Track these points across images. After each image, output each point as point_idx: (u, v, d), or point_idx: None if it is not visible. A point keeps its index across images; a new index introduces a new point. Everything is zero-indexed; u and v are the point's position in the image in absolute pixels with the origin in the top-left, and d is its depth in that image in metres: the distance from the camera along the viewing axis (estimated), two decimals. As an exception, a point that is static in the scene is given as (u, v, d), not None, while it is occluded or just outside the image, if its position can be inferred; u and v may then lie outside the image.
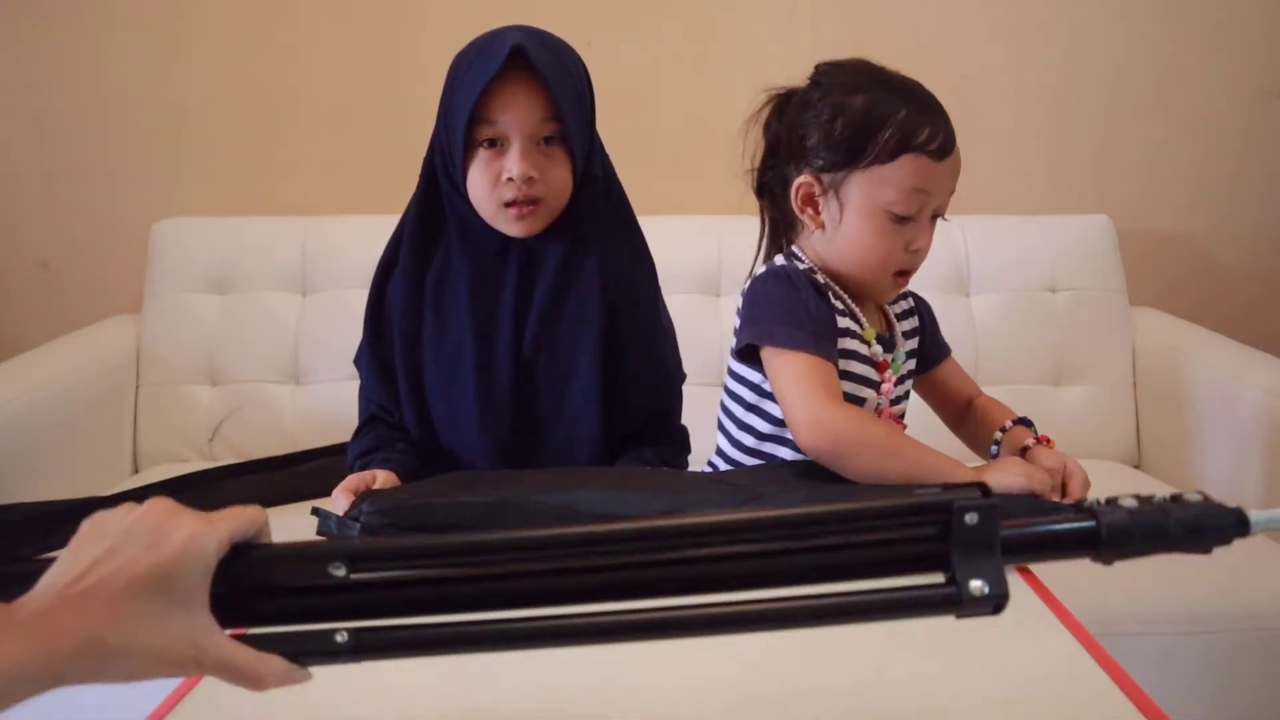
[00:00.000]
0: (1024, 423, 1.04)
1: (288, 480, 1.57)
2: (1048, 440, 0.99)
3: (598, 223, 1.06)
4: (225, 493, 1.53)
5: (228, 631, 0.47)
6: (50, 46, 1.94)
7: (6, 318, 2.03)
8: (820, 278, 1.01)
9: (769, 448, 1.03)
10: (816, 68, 1.02)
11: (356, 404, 1.11)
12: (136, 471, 1.77)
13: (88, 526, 0.49)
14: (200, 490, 1.53)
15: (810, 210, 1.00)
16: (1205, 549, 0.47)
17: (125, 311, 1.90)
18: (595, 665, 0.68)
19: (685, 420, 1.16)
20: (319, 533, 0.82)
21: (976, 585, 0.45)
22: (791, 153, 1.01)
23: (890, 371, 1.02)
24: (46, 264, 2.02)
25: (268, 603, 0.48)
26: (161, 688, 0.64)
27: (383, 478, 0.94)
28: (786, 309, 0.97)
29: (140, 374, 1.79)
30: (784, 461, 1.02)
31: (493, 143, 0.99)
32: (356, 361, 1.13)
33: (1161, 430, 1.77)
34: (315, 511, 0.82)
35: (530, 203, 1.00)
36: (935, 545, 0.46)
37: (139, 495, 1.63)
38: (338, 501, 0.88)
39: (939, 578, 0.47)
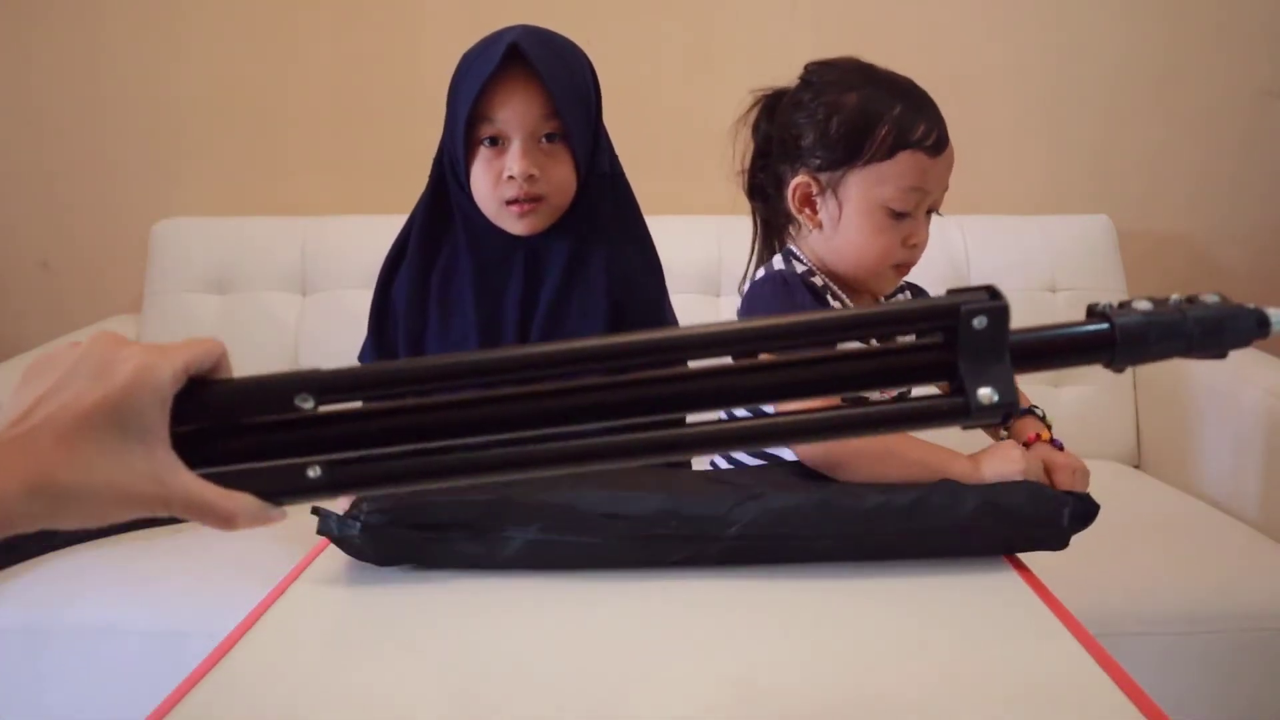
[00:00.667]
0: (1033, 412, 1.03)
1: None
2: (1059, 445, 0.98)
3: (604, 220, 1.07)
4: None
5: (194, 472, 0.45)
6: (50, 46, 1.94)
7: (6, 318, 2.03)
8: (818, 279, 1.01)
9: (769, 449, 1.03)
10: (806, 67, 1.02)
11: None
12: (136, 471, 1.77)
13: (30, 367, 0.46)
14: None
15: (808, 210, 1.00)
16: (1222, 352, 0.45)
17: (125, 311, 1.90)
18: (594, 670, 0.68)
19: (688, 420, 1.16)
20: (319, 531, 0.82)
21: (985, 393, 0.42)
22: (786, 153, 1.01)
23: None
24: (47, 264, 2.02)
25: (233, 441, 0.45)
26: (161, 688, 0.64)
27: None
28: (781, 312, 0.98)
29: (140, 374, 1.79)
30: (784, 461, 1.02)
31: (494, 141, 1.00)
32: (361, 357, 1.13)
33: (1161, 430, 1.77)
34: (315, 511, 0.82)
35: (532, 200, 1.00)
36: (942, 354, 0.43)
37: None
38: (338, 500, 0.88)
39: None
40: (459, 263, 1.06)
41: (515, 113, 0.98)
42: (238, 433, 0.45)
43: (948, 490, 0.83)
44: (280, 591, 0.79)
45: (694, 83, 1.93)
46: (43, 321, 1.95)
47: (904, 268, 1.01)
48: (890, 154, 0.94)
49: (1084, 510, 0.84)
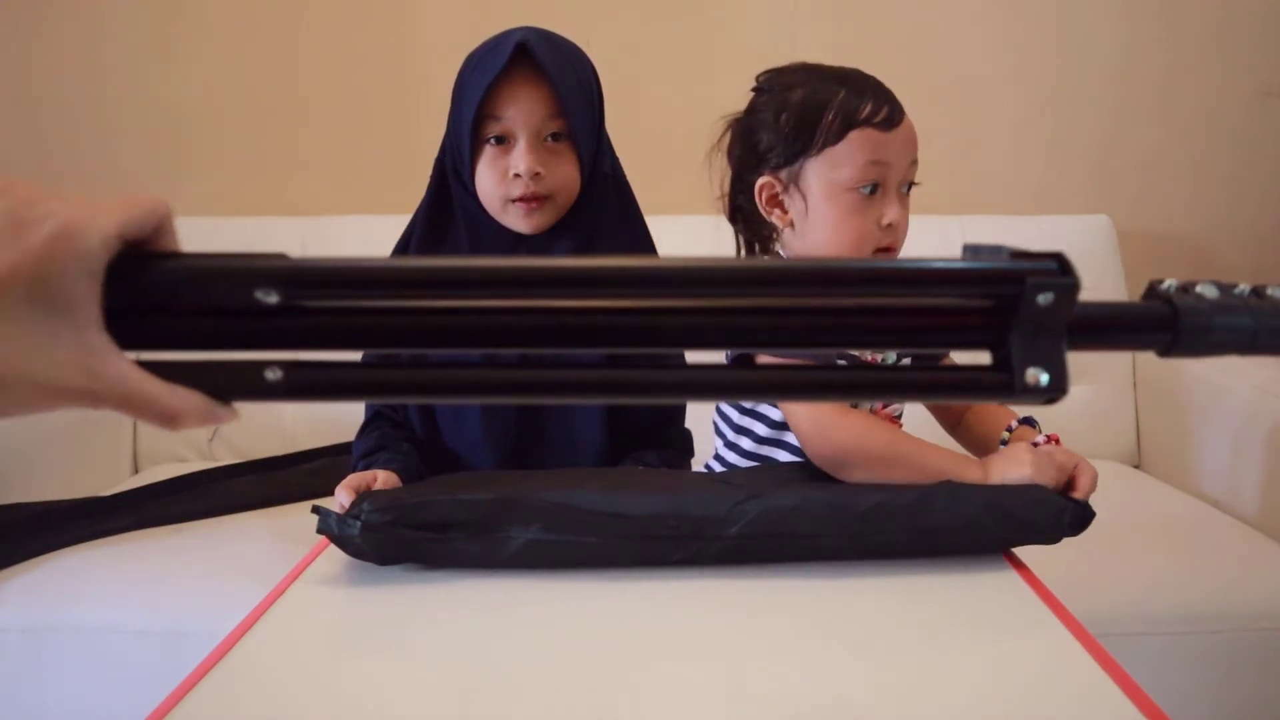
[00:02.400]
0: (1028, 422, 1.04)
1: (288, 480, 1.57)
2: (1055, 439, 0.99)
3: (606, 220, 1.07)
4: (225, 493, 1.53)
5: (130, 356, 0.37)
6: (51, 47, 1.94)
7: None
8: None
9: (766, 450, 1.03)
10: (756, 78, 1.04)
11: (355, 404, 1.11)
12: (136, 472, 1.77)
13: None
14: (200, 490, 1.53)
15: (778, 210, 1.01)
16: None
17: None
18: (595, 669, 0.68)
19: (687, 423, 1.16)
20: (319, 531, 0.82)
21: (1034, 373, 0.39)
22: (751, 162, 1.02)
23: None
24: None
25: (180, 323, 0.39)
26: (161, 688, 0.64)
27: (384, 478, 0.95)
28: None
29: (140, 374, 1.79)
30: (784, 462, 1.02)
31: (500, 139, 1.01)
32: (364, 357, 1.13)
33: (1161, 430, 1.77)
34: (316, 510, 0.82)
35: (537, 198, 1.01)
36: (989, 319, 0.39)
37: (139, 495, 1.62)
38: (339, 500, 0.88)
39: (981, 357, 0.41)
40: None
41: (522, 111, 0.99)
42: (185, 314, 0.39)
43: (948, 490, 0.83)
44: (280, 591, 0.79)
45: (694, 83, 1.93)
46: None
47: (887, 252, 1.01)
48: (840, 136, 0.95)
49: (1081, 516, 0.84)
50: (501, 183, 1.01)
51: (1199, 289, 0.41)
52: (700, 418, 1.17)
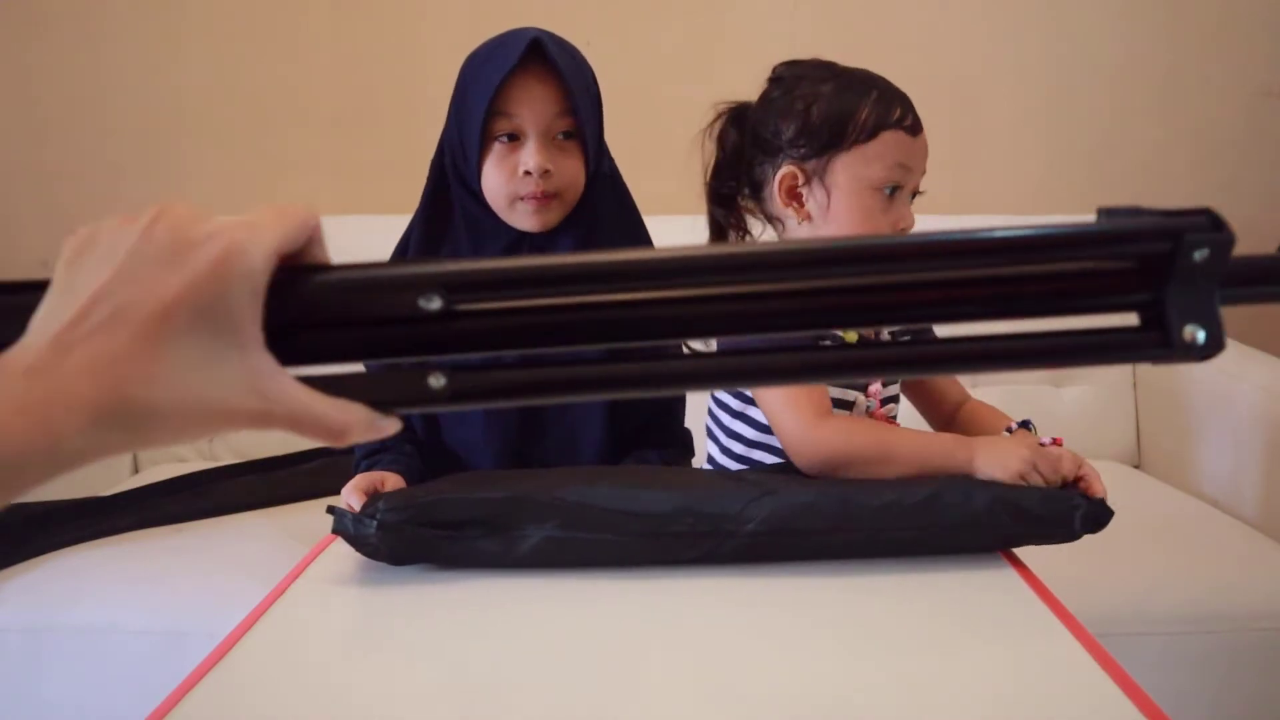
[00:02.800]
0: (1025, 426, 1.04)
1: (288, 480, 1.57)
2: (1059, 442, 0.98)
3: (606, 219, 1.07)
4: (225, 493, 1.53)
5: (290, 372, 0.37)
6: (51, 46, 1.94)
7: (7, 318, 2.03)
8: None
9: (757, 455, 1.04)
10: (774, 68, 1.04)
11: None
12: (136, 472, 1.77)
13: (74, 248, 0.37)
14: (200, 490, 1.53)
15: (795, 203, 1.00)
16: None
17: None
18: (608, 667, 0.68)
19: (686, 423, 1.16)
20: (334, 531, 0.82)
21: (1191, 330, 0.37)
22: (765, 151, 1.01)
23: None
24: (46, 264, 2.01)
25: (336, 336, 0.38)
26: (161, 688, 0.64)
27: (392, 480, 0.94)
28: None
29: (140, 374, 1.79)
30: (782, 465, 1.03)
31: (510, 137, 1.00)
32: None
33: (1161, 430, 1.77)
34: (331, 510, 0.82)
35: (546, 196, 1.01)
36: (1133, 280, 0.38)
37: (139, 495, 1.62)
38: (349, 502, 0.88)
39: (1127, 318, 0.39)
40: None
41: (533, 109, 0.99)
42: (344, 328, 0.38)
43: (961, 488, 0.83)
44: (281, 591, 0.79)
45: (694, 83, 1.92)
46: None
47: None
48: (873, 134, 0.96)
49: (1096, 514, 0.84)
50: (510, 180, 1.00)
51: None
52: (699, 418, 1.17)
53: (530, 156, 0.99)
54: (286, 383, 0.36)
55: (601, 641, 0.71)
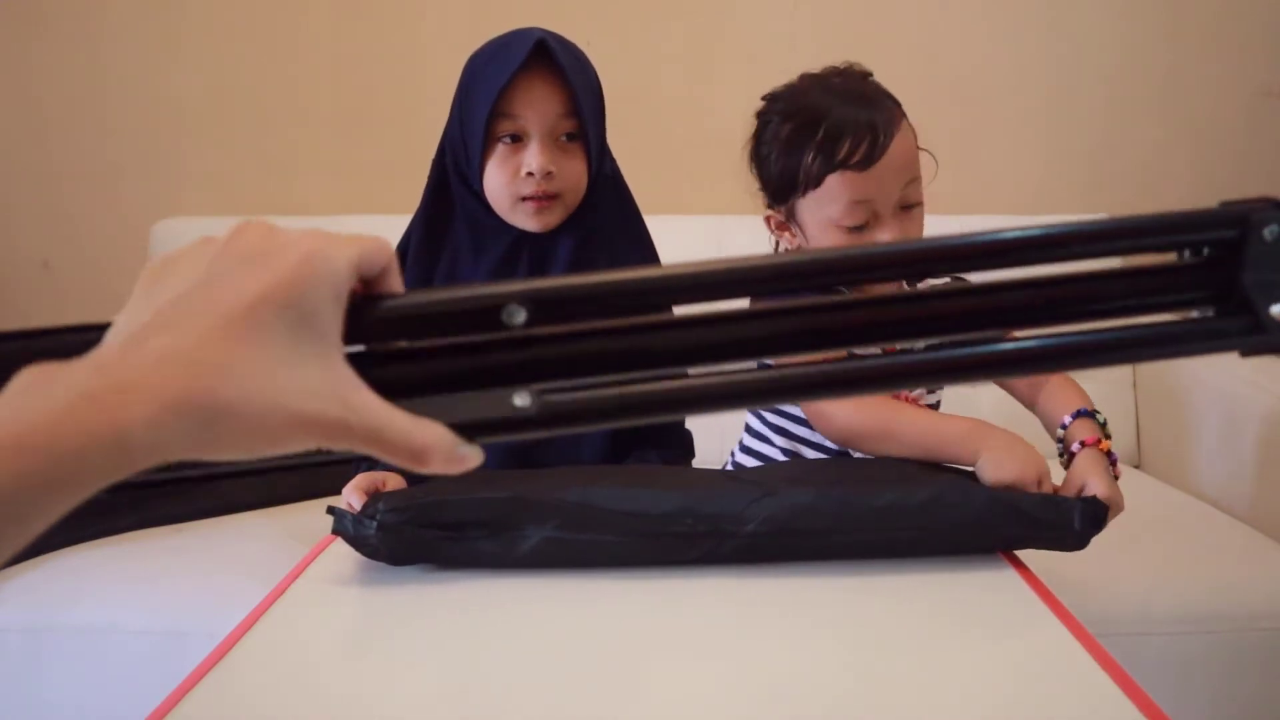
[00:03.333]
0: (1087, 415, 1.01)
1: (288, 480, 1.57)
2: (1114, 459, 0.96)
3: (607, 220, 1.08)
4: (225, 493, 1.53)
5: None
6: (52, 47, 1.94)
7: (8, 318, 2.03)
8: None
9: (797, 448, 1.07)
10: (762, 99, 1.06)
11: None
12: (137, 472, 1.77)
13: (153, 270, 0.35)
14: (200, 490, 1.53)
15: (785, 234, 1.06)
16: None
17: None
18: (609, 668, 0.68)
19: (688, 424, 1.16)
20: (334, 531, 0.82)
21: (1278, 310, 0.37)
22: (759, 183, 1.06)
23: None
24: (48, 264, 2.02)
25: (411, 364, 0.36)
26: (161, 688, 0.64)
27: (393, 480, 0.94)
28: None
29: (140, 374, 1.79)
30: (792, 460, 1.04)
31: (513, 138, 1.00)
32: None
33: (1161, 430, 1.77)
34: (331, 511, 0.82)
35: (548, 197, 1.01)
36: (1204, 272, 0.38)
37: (139, 495, 1.62)
38: (349, 502, 0.88)
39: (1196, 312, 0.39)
40: (462, 264, 1.06)
41: (537, 109, 0.99)
42: (415, 355, 0.36)
43: (960, 488, 0.83)
44: (281, 591, 0.79)
45: (694, 83, 1.93)
46: (44, 321, 1.93)
47: None
48: (819, 180, 0.97)
49: (1094, 513, 0.84)
50: (513, 181, 1.00)
51: None
52: (699, 419, 1.17)
53: (533, 158, 0.99)
54: (368, 395, 0.34)
55: (602, 642, 0.71)
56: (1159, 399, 1.78)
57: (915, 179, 1.00)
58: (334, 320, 0.33)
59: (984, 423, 0.94)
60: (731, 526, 0.80)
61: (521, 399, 0.35)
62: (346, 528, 0.81)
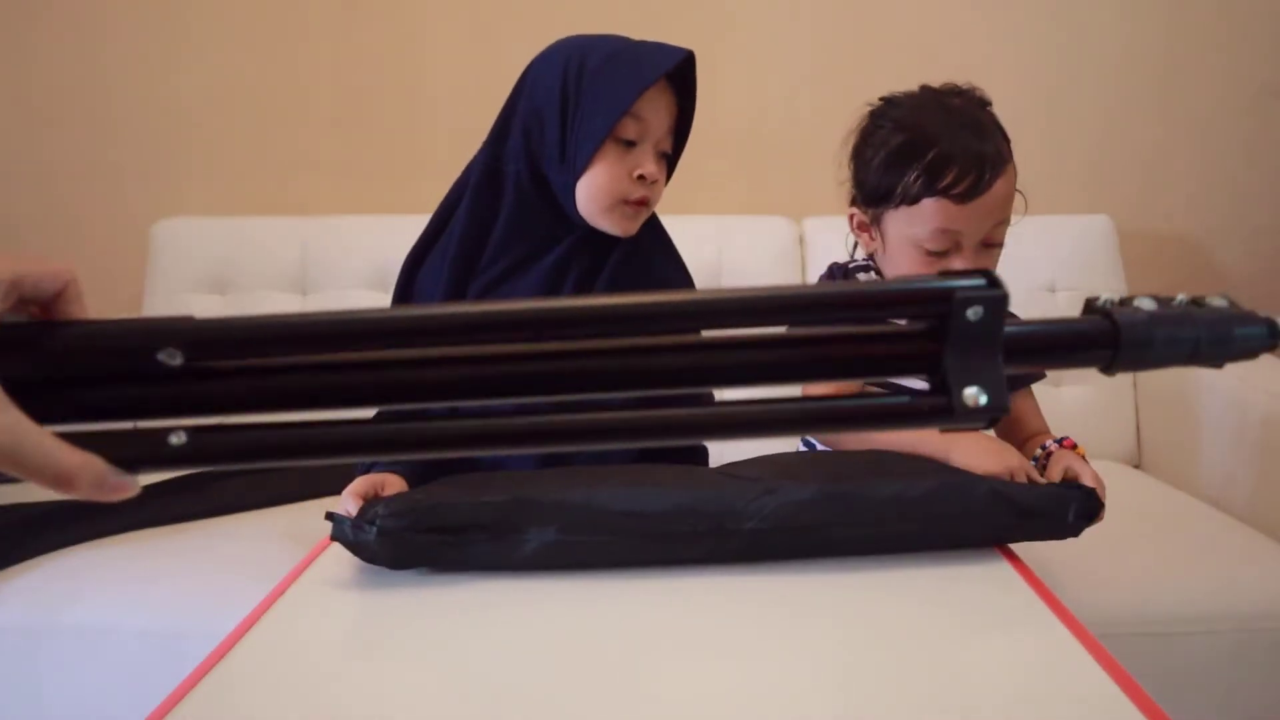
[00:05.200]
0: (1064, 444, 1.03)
1: (288, 480, 1.57)
2: (1068, 442, 0.99)
3: (652, 239, 1.10)
4: (225, 493, 1.53)
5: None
6: (51, 46, 1.95)
7: (7, 318, 2.03)
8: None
9: None
10: (881, 100, 1.07)
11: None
12: (137, 471, 1.77)
13: None
14: (200, 490, 1.53)
15: (865, 235, 1.07)
16: (1222, 362, 0.41)
17: (125, 311, 1.90)
18: (612, 669, 0.68)
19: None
20: (333, 537, 0.82)
21: (971, 393, 0.38)
22: (852, 181, 1.07)
23: None
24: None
25: (75, 391, 0.37)
26: (161, 688, 0.64)
27: (392, 483, 0.93)
28: None
29: (140, 374, 1.79)
30: (790, 453, 1.04)
31: (629, 142, 1.01)
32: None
33: (1161, 430, 1.77)
34: (329, 517, 0.82)
35: (645, 204, 1.03)
36: (926, 344, 0.38)
37: (140, 496, 1.62)
38: (347, 505, 0.87)
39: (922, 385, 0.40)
40: (510, 266, 1.05)
41: (659, 120, 1.02)
42: (85, 383, 0.37)
43: (961, 481, 0.84)
44: (280, 591, 0.79)
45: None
46: (43, 321, 1.95)
47: None
48: (916, 200, 0.98)
49: (1089, 506, 0.84)
50: (623, 182, 1.01)
51: (1136, 302, 0.40)
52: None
53: (649, 162, 1.01)
54: (14, 415, 0.34)
55: (603, 642, 0.71)
56: (1159, 399, 1.78)
57: (1005, 221, 1.01)
58: None
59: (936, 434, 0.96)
60: (733, 524, 0.80)
61: (177, 437, 0.37)
62: (345, 534, 0.81)
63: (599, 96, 1.00)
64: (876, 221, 1.03)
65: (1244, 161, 1.99)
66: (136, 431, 0.37)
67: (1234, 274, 2.04)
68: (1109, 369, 0.40)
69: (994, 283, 0.38)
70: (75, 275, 0.38)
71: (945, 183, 0.96)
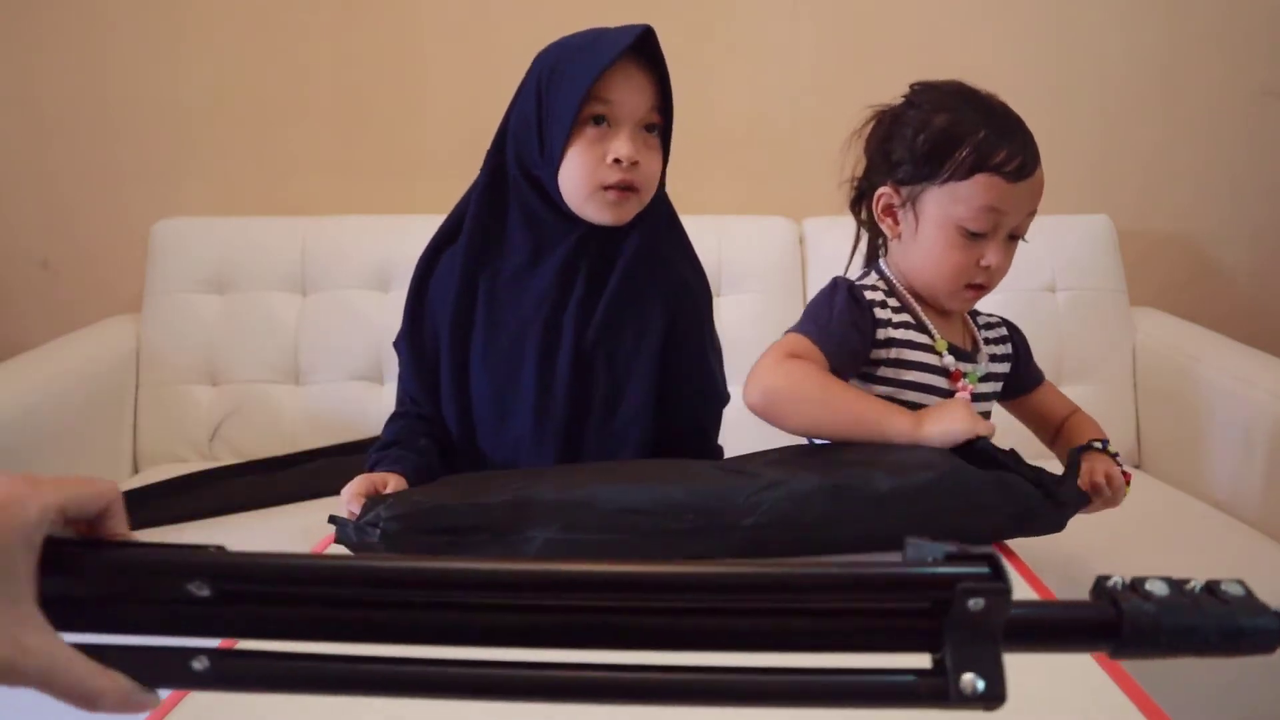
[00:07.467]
0: (1105, 449, 1.06)
1: (288, 480, 1.57)
2: (1128, 477, 1.01)
3: (662, 228, 1.07)
4: (225, 493, 1.53)
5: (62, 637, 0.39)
6: (52, 46, 1.94)
7: (7, 318, 2.03)
8: (882, 293, 1.04)
9: None
10: (911, 87, 1.06)
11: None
12: (136, 472, 1.77)
13: None
14: (200, 490, 1.53)
15: (889, 220, 1.04)
16: (1236, 654, 0.41)
17: (125, 311, 1.90)
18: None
19: (721, 438, 1.14)
20: (337, 540, 0.82)
21: (969, 679, 0.37)
22: (879, 165, 1.05)
23: (966, 381, 1.03)
24: (47, 263, 2.02)
25: (114, 609, 0.40)
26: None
27: (393, 482, 0.93)
28: (815, 307, 1.03)
29: (140, 374, 1.79)
30: (789, 446, 1.04)
31: (599, 120, 0.98)
32: (396, 345, 1.10)
33: (1162, 430, 1.77)
34: (332, 520, 0.82)
35: (630, 188, 0.99)
36: (926, 621, 0.38)
37: (139, 495, 1.62)
38: (347, 506, 0.87)
39: (922, 659, 0.40)
40: (517, 260, 1.04)
41: (631, 97, 0.98)
42: (118, 601, 0.40)
43: (958, 471, 0.84)
44: (280, 591, 0.79)
45: (694, 83, 1.92)
46: (43, 321, 1.95)
47: (979, 289, 1.03)
48: (968, 175, 0.97)
49: (1079, 495, 0.86)
50: (597, 168, 0.98)
51: (1149, 585, 0.41)
52: (736, 435, 1.15)
53: (622, 144, 0.97)
54: (49, 639, 0.37)
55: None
56: (1160, 399, 1.78)
57: (1034, 212, 1.02)
58: (21, 563, 0.36)
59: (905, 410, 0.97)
60: (733, 519, 0.80)
61: (199, 663, 0.39)
62: (349, 536, 0.81)
63: (563, 86, 0.99)
64: (913, 201, 1.01)
65: (1244, 161, 1.99)
66: (161, 653, 0.40)
67: (1234, 274, 2.04)
68: (1112, 656, 0.40)
69: (996, 571, 0.37)
70: (118, 494, 0.41)
71: (998, 159, 0.96)
